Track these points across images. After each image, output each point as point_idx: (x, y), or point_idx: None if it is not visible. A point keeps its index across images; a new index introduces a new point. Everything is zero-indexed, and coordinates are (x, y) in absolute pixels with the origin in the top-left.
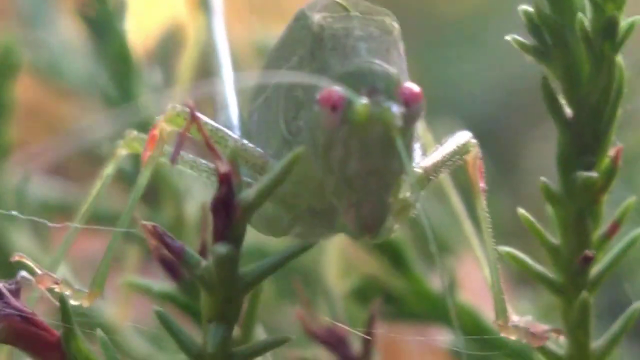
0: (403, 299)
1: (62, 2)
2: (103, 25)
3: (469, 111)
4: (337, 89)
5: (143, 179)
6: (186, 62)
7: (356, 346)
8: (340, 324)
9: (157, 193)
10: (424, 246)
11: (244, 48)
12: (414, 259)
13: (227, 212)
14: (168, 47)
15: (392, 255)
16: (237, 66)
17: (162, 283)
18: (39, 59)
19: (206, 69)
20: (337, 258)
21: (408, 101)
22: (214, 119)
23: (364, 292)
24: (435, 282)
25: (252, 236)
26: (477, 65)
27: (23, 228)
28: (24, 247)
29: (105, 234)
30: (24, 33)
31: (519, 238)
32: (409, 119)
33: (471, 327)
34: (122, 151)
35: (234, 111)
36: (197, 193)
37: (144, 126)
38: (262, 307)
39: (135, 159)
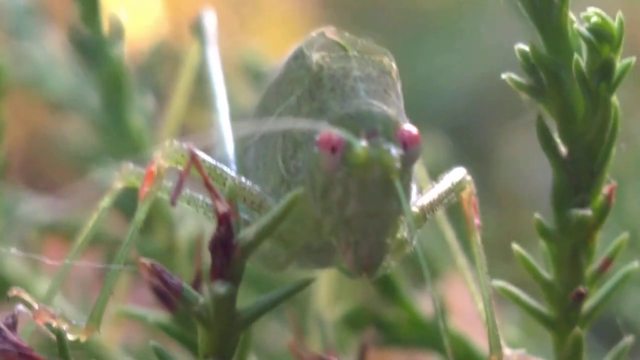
0: (394, 326)
1: (47, 15)
2: (95, 51)
3: (446, 104)
4: (336, 132)
5: (141, 214)
6: (180, 90)
7: None
8: (331, 352)
9: (149, 217)
10: (414, 270)
11: (232, 66)
12: (405, 284)
13: (225, 252)
14: (156, 61)
15: (383, 281)
16: (226, 81)
17: (155, 312)
18: (22, 71)
19: (200, 95)
20: (328, 283)
21: (407, 143)
22: (209, 152)
23: (354, 318)
24: (425, 306)
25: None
26: (454, 59)
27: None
28: (15, 270)
29: (95, 250)
30: (8, 45)
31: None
32: (408, 161)
33: (462, 354)
34: (118, 184)
35: (229, 146)
36: (189, 218)
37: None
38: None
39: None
